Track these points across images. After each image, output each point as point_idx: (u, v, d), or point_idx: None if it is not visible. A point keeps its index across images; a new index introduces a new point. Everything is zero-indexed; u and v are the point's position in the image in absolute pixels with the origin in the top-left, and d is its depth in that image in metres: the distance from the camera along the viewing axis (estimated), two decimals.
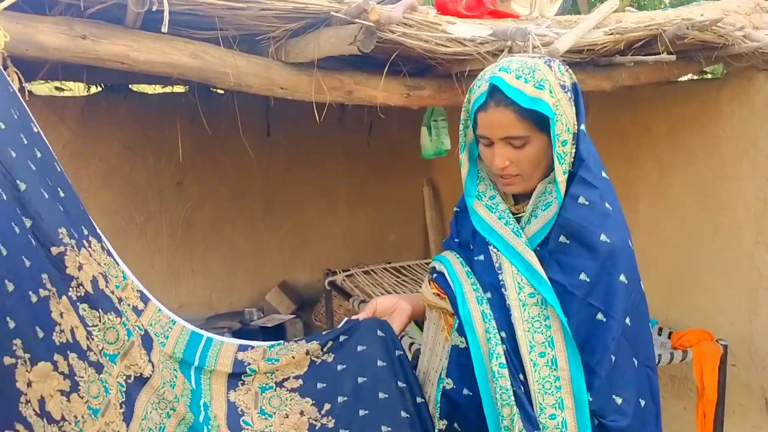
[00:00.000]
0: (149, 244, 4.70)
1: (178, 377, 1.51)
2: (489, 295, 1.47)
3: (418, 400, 1.52)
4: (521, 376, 1.39)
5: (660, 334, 3.11)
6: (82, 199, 4.31)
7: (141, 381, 1.41)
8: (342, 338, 1.61)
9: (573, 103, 1.44)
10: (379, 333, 1.59)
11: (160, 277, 4.72)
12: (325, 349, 1.62)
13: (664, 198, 3.47)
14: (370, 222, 5.23)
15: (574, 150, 1.46)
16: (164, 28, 1.88)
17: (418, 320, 1.78)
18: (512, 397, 1.36)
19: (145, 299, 1.55)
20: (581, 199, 1.44)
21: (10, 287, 1.11)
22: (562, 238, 1.43)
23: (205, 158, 4.72)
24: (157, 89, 4.58)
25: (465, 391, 1.46)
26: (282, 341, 1.67)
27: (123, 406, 1.36)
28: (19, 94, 1.38)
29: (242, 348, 1.63)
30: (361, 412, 1.49)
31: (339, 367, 1.58)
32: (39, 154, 1.36)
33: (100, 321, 1.35)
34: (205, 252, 4.89)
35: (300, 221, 5.05)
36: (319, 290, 4.72)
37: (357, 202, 5.20)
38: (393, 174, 5.14)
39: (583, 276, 1.40)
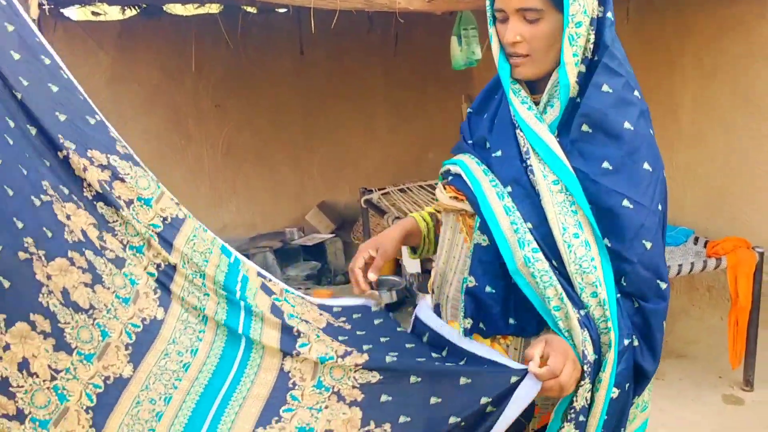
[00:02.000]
0: (191, 167, 4.80)
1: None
2: (509, 189, 1.46)
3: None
4: (554, 262, 1.40)
5: (696, 243, 3.06)
6: (124, 125, 4.42)
7: (171, 269, 1.44)
8: (355, 316, 1.61)
9: None
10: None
11: (204, 199, 4.82)
12: (340, 320, 1.61)
13: (708, 106, 3.35)
14: (408, 141, 5.21)
15: (593, 37, 1.42)
16: None
17: (412, 245, 1.76)
18: (554, 277, 1.36)
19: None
20: (605, 87, 1.41)
21: (10, 192, 1.17)
22: (584, 128, 1.41)
23: (242, 80, 4.75)
24: (191, 10, 4.57)
25: (488, 288, 1.46)
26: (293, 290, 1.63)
27: (157, 291, 1.40)
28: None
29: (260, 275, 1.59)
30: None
31: (358, 333, 1.57)
32: (47, 61, 1.37)
33: (119, 217, 1.39)
34: (247, 174, 4.96)
35: (339, 141, 5.06)
36: (358, 210, 4.76)
37: (395, 120, 5.18)
38: (431, 91, 5.08)
39: (606, 164, 1.38)
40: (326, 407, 1.41)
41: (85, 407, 1.25)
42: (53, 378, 1.21)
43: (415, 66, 5.00)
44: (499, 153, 1.48)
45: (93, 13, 4.20)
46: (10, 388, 1.16)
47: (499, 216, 1.44)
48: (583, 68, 1.41)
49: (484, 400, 1.31)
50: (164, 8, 4.44)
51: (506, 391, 1.29)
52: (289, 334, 1.48)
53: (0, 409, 1.15)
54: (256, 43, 4.58)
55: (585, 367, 1.30)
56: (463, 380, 1.35)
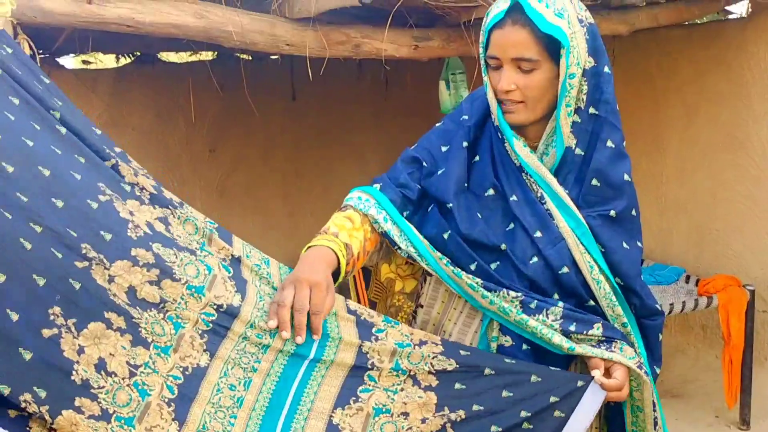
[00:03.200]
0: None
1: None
2: (539, 234, 1.48)
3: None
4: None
5: (687, 282, 3.08)
6: None
7: (236, 261, 1.43)
8: None
9: (587, 39, 1.42)
10: None
11: None
12: None
13: (692, 143, 3.40)
14: None
15: (585, 88, 1.45)
16: None
17: None
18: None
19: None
20: (609, 143, 1.48)
21: (60, 204, 1.19)
22: (594, 182, 1.47)
23: (235, 124, 4.79)
24: (185, 57, 4.64)
25: (524, 347, 1.50)
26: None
27: (231, 279, 1.38)
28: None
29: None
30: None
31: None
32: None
33: (174, 216, 1.39)
34: (241, 215, 4.98)
35: (332, 183, 5.09)
36: None
37: (387, 162, 5.18)
38: (421, 130, 5.13)
39: (612, 213, 1.48)
40: (402, 390, 1.42)
41: (166, 400, 1.26)
42: (132, 374, 1.23)
43: (405, 109, 5.06)
44: (515, 198, 1.49)
45: (83, 61, 4.26)
46: (92, 390, 1.17)
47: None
48: (577, 118, 1.45)
49: (552, 398, 1.39)
50: (158, 56, 4.51)
51: (573, 393, 1.39)
52: (364, 325, 1.46)
53: (86, 410, 1.17)
54: (249, 88, 4.63)
55: (645, 377, 1.46)
56: (534, 378, 1.41)
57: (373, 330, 1.46)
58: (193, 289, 1.30)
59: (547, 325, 1.44)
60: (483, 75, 1.51)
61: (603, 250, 1.47)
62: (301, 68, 2.55)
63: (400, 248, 1.51)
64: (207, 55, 4.59)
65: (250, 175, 4.93)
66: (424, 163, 1.58)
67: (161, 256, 1.29)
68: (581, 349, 1.43)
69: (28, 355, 1.12)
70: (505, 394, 1.41)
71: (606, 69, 1.44)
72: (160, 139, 4.68)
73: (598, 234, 1.46)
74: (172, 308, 1.28)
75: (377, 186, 1.59)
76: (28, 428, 1.15)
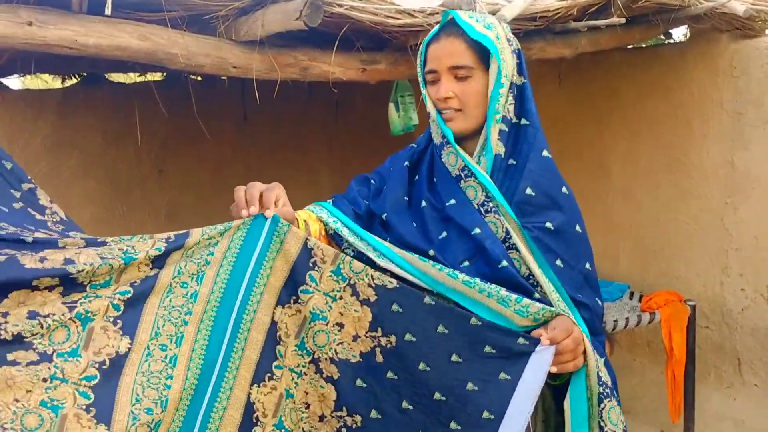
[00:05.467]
0: (133, 232, 4.72)
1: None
2: (478, 230, 1.50)
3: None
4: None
5: (631, 298, 3.14)
6: (65, 190, 4.34)
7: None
8: None
9: (515, 58, 1.52)
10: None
11: None
12: None
13: (635, 163, 3.48)
14: None
15: (512, 100, 1.53)
16: (108, 10, 1.90)
17: None
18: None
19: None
20: (545, 152, 1.54)
21: None
22: (529, 190, 1.51)
23: (185, 146, 4.74)
24: (134, 78, 4.60)
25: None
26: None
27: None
28: None
29: None
30: None
31: None
32: None
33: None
34: None
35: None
36: None
37: (339, 181, 5.22)
38: (373, 153, 5.15)
39: (548, 224, 1.50)
40: (340, 298, 1.42)
41: (84, 407, 1.24)
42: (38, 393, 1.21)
43: (356, 131, 5.09)
44: (453, 201, 1.54)
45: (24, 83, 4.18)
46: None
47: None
48: (504, 127, 1.52)
49: (488, 348, 1.37)
50: (106, 76, 4.45)
51: (516, 353, 1.35)
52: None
53: None
54: (200, 109, 4.60)
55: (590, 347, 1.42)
56: (473, 321, 1.38)
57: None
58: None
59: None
60: (422, 90, 1.57)
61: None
62: (252, 89, 2.56)
63: (348, 242, 1.54)
64: (156, 76, 4.55)
65: (200, 197, 4.88)
66: (372, 181, 1.69)
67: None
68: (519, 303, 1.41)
69: None
70: (440, 329, 1.39)
71: (529, 86, 1.54)
72: (107, 162, 4.60)
73: (536, 245, 1.49)
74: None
75: (330, 201, 1.67)
76: None
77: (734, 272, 3.05)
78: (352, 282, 1.42)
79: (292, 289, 1.42)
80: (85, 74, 4.38)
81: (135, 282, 1.31)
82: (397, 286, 1.41)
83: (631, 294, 3.16)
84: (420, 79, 1.60)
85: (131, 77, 4.60)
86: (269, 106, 4.14)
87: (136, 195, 4.71)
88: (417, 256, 1.47)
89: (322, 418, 1.42)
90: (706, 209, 3.15)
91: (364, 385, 1.41)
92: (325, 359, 1.41)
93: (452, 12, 1.51)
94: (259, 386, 1.41)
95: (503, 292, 1.40)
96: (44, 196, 1.42)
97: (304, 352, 1.42)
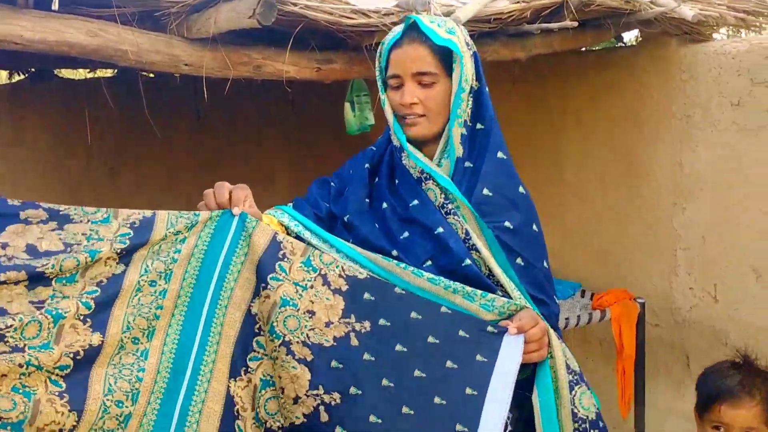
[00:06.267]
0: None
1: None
2: (441, 229, 1.52)
3: None
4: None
5: (582, 297, 3.19)
6: (13, 188, 4.23)
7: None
8: None
9: (473, 63, 1.55)
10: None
11: None
12: None
13: (588, 164, 3.54)
14: None
15: (471, 104, 1.56)
16: (54, 6, 1.86)
17: None
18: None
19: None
20: (500, 154, 1.58)
21: None
22: (486, 191, 1.53)
23: (137, 144, 4.67)
24: (84, 74, 4.50)
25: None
26: None
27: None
28: None
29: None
30: None
31: None
32: None
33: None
34: None
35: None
36: None
37: (295, 180, 5.19)
38: (329, 152, 5.14)
39: (507, 224, 1.53)
40: (311, 287, 1.45)
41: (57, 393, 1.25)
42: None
43: (312, 130, 5.07)
44: (416, 202, 1.55)
45: None
46: None
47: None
48: (464, 131, 1.54)
49: (461, 332, 1.40)
50: (55, 72, 4.35)
51: (488, 336, 1.39)
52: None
53: None
54: (152, 107, 4.51)
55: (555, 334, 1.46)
56: (444, 309, 1.42)
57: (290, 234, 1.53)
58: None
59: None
60: (381, 95, 1.58)
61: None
62: (205, 86, 2.52)
63: (311, 245, 1.55)
64: (106, 73, 4.46)
65: (154, 197, 4.80)
66: (332, 184, 1.72)
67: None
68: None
69: None
70: (414, 315, 1.42)
71: (486, 90, 1.55)
72: (57, 160, 4.50)
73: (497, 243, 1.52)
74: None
75: (290, 205, 1.69)
76: None
77: (683, 271, 3.12)
78: (323, 272, 1.46)
79: (262, 277, 1.45)
80: (33, 70, 4.27)
81: (102, 281, 1.32)
82: (368, 276, 1.46)
83: (583, 292, 3.21)
84: (379, 83, 1.61)
85: (81, 73, 4.50)
86: (223, 105, 4.10)
87: (86, 194, 4.61)
88: (380, 255, 1.49)
89: (296, 399, 1.42)
90: (656, 210, 3.21)
91: (340, 365, 1.43)
92: (297, 342, 1.43)
93: (415, 17, 1.52)
94: (236, 380, 1.43)
95: (468, 288, 1.42)
96: None
97: (274, 336, 1.43)
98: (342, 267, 1.46)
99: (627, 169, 3.33)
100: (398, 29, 1.55)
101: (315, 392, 1.41)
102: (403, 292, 1.44)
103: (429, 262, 1.52)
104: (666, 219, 3.19)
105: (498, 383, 1.37)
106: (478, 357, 1.39)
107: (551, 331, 1.47)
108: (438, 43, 1.48)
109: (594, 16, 2.75)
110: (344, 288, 1.45)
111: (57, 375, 1.25)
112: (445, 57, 1.51)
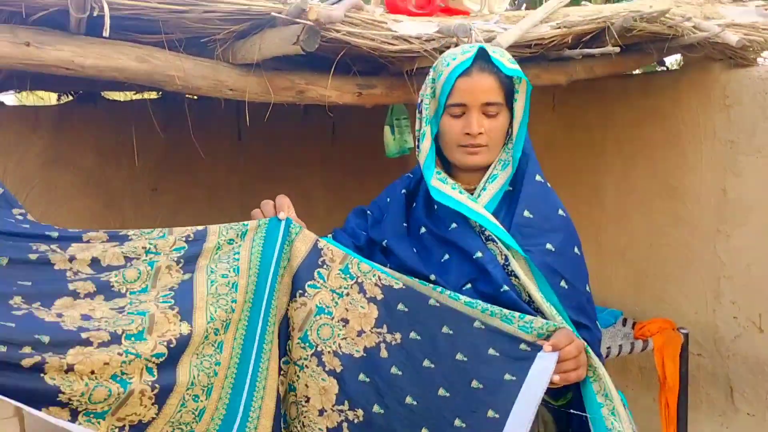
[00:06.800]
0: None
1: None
2: (479, 254, 1.51)
3: None
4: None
5: (624, 325, 3.14)
6: (57, 207, 4.32)
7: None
8: None
9: (526, 93, 1.57)
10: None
11: None
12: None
13: (629, 189, 3.50)
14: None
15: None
16: (105, 33, 1.90)
17: None
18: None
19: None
20: (538, 177, 1.59)
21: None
22: (527, 213, 1.54)
23: (179, 164, 4.74)
24: (129, 96, 4.60)
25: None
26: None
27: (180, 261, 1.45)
28: None
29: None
30: None
31: None
32: None
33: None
34: None
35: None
36: None
37: (333, 201, 5.22)
38: (367, 175, 5.16)
39: (549, 246, 1.52)
40: (347, 294, 1.48)
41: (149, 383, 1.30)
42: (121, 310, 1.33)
43: (351, 152, 5.09)
44: (454, 225, 1.55)
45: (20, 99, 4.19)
46: (91, 330, 1.27)
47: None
48: (504, 155, 1.55)
49: (492, 351, 1.38)
50: (102, 93, 4.45)
51: (519, 356, 1.36)
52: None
53: (94, 340, 1.26)
54: (195, 127, 4.60)
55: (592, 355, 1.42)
56: (477, 324, 1.40)
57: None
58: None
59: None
60: (422, 123, 1.57)
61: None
62: (248, 108, 2.57)
63: None
64: (152, 94, 4.56)
65: (195, 215, 4.86)
66: (369, 213, 1.74)
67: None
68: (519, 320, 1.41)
69: (12, 324, 1.21)
70: (445, 329, 1.42)
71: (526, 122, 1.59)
72: (101, 179, 4.59)
73: (538, 266, 1.50)
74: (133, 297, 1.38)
75: (330, 236, 1.71)
76: (42, 374, 1.19)
77: (726, 300, 3.06)
78: (359, 280, 1.48)
79: (299, 284, 1.49)
80: (80, 92, 4.38)
81: (174, 287, 1.39)
82: (403, 286, 1.47)
83: (624, 320, 3.16)
84: (429, 106, 1.58)
85: (127, 95, 4.60)
86: (264, 126, 4.14)
87: (129, 213, 4.70)
88: (417, 280, 1.49)
89: (321, 412, 1.45)
90: (699, 236, 3.16)
91: (367, 379, 1.44)
92: (328, 352, 1.46)
93: (482, 46, 1.54)
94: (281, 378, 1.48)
95: (506, 311, 1.41)
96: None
97: (307, 344, 1.47)
98: (378, 276, 1.48)
99: (669, 194, 3.29)
100: (467, 55, 1.52)
101: (341, 407, 1.44)
102: (437, 304, 1.44)
103: (468, 285, 1.51)
104: (709, 246, 3.13)
105: (522, 405, 1.35)
106: (506, 376, 1.37)
107: (592, 352, 1.44)
108: (506, 74, 1.50)
109: (635, 41, 2.74)
110: (379, 297, 1.47)
111: (153, 363, 1.30)
112: (507, 88, 1.53)
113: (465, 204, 1.53)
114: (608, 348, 2.81)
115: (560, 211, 1.58)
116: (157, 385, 1.30)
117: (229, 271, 1.44)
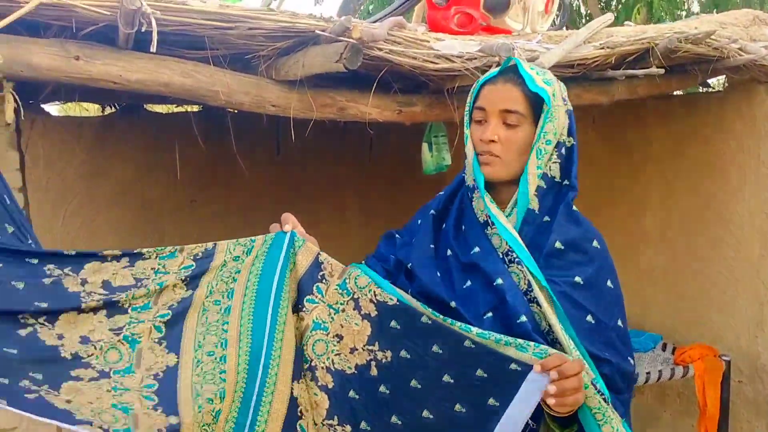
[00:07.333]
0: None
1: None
2: (500, 281, 1.47)
3: None
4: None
5: (664, 350, 3.09)
6: (96, 217, 4.39)
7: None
8: None
9: (567, 118, 1.53)
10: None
11: None
12: None
13: (670, 211, 3.45)
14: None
15: (555, 158, 1.53)
16: (153, 48, 1.93)
17: None
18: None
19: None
20: (575, 207, 1.55)
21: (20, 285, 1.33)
22: (558, 244, 1.50)
23: (217, 177, 4.79)
24: (171, 108, 4.67)
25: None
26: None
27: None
28: None
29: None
30: None
31: None
32: None
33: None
34: None
35: (312, 236, 5.07)
36: None
37: (368, 217, 5.23)
38: (403, 191, 5.16)
39: (577, 279, 1.47)
40: (343, 311, 1.49)
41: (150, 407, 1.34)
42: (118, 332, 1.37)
43: (388, 169, 5.10)
44: (477, 249, 1.53)
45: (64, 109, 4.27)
46: (83, 360, 1.32)
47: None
48: (543, 184, 1.50)
49: (480, 372, 1.36)
50: (144, 106, 4.52)
51: (507, 378, 1.32)
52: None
53: (84, 377, 1.32)
54: (233, 141, 4.66)
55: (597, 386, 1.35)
56: (467, 343, 1.38)
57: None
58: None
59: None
60: (465, 130, 1.58)
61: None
62: (286, 123, 2.59)
63: None
64: (193, 107, 4.62)
65: (232, 228, 4.88)
66: (398, 236, 1.74)
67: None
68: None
69: (14, 351, 1.25)
70: (435, 348, 1.40)
71: (576, 148, 1.53)
72: (141, 191, 4.65)
73: (561, 299, 1.44)
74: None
75: (363, 262, 1.71)
76: (50, 402, 1.25)
77: None
78: (355, 296, 1.49)
79: (299, 298, 1.50)
80: (123, 104, 4.46)
81: (173, 304, 1.43)
82: (397, 303, 1.46)
83: (664, 345, 3.11)
84: (466, 117, 1.60)
85: (168, 107, 4.67)
86: (302, 142, 4.19)
87: (167, 224, 4.75)
88: (430, 311, 1.46)
89: (314, 425, 1.48)
90: (742, 261, 3.10)
91: (357, 396, 1.46)
92: (322, 368, 1.47)
93: (516, 60, 1.53)
94: (298, 382, 1.48)
95: (520, 340, 1.37)
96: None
97: (303, 359, 1.48)
98: (374, 292, 1.48)
99: (711, 217, 3.23)
100: (497, 67, 1.56)
101: (330, 422, 1.46)
102: (429, 322, 1.42)
103: (490, 314, 1.47)
104: (752, 271, 3.07)
105: (504, 429, 1.33)
106: (491, 401, 1.35)
107: (600, 388, 1.37)
108: (531, 89, 1.47)
109: (680, 63, 2.70)
110: (373, 314, 1.47)
111: (147, 392, 1.34)
112: (536, 105, 1.49)
113: (499, 219, 1.51)
114: (648, 373, 2.76)
115: (595, 243, 1.53)
116: (159, 407, 1.34)
117: (223, 296, 1.47)
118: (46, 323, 1.31)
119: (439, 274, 1.55)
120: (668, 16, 6.79)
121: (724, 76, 3.15)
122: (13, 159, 2.48)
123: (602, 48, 2.42)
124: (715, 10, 3.35)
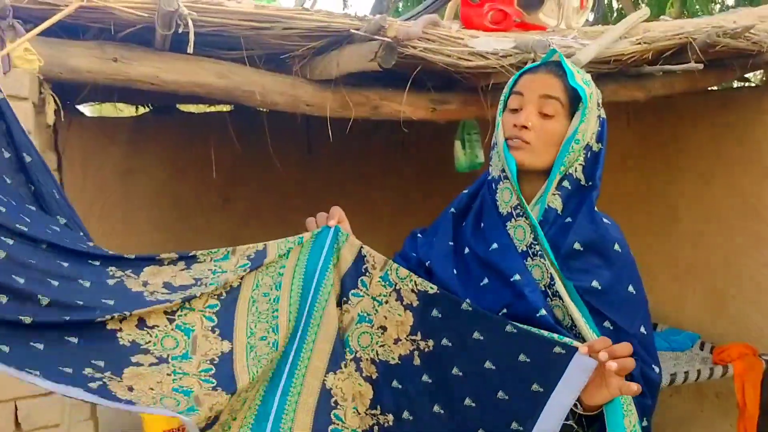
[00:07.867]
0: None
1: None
2: (518, 277, 1.45)
3: None
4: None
5: (702, 349, 3.04)
6: (132, 216, 4.44)
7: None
8: None
9: (599, 124, 1.51)
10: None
11: None
12: None
13: (706, 207, 3.39)
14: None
15: (581, 160, 1.51)
16: (190, 49, 1.95)
17: None
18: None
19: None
20: (595, 209, 1.51)
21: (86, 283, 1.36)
22: (576, 245, 1.46)
23: (250, 176, 4.82)
24: (203, 108, 4.70)
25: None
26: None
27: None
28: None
29: None
30: None
31: None
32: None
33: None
34: None
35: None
36: None
37: (399, 215, 5.23)
38: (435, 189, 5.15)
39: (595, 283, 1.44)
40: (386, 302, 1.50)
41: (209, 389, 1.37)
42: (171, 320, 1.40)
43: (420, 167, 5.09)
44: (495, 245, 1.51)
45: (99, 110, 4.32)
46: (141, 346, 1.35)
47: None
48: (567, 184, 1.49)
49: (522, 357, 1.33)
50: (177, 106, 4.57)
51: (551, 363, 1.29)
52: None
53: (144, 362, 1.35)
54: (266, 140, 4.69)
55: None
56: (509, 328, 1.36)
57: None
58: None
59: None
60: (498, 116, 1.57)
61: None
62: (316, 122, 2.60)
63: None
64: (224, 107, 4.65)
65: (263, 226, 4.93)
66: (419, 235, 1.74)
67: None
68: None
69: (75, 340, 1.29)
70: (476, 335, 1.39)
71: (604, 153, 1.52)
72: (173, 190, 4.70)
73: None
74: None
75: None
76: (112, 392, 1.28)
77: None
78: (397, 287, 1.49)
79: (344, 291, 1.51)
80: (156, 105, 4.51)
81: (221, 295, 1.45)
82: (438, 291, 1.46)
83: (702, 344, 3.06)
84: (500, 106, 1.58)
85: (200, 107, 4.71)
86: (334, 140, 4.20)
87: (200, 223, 4.79)
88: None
89: (356, 414, 1.48)
90: None
91: (400, 386, 1.46)
92: (366, 359, 1.49)
93: (560, 53, 1.52)
94: (335, 374, 1.49)
95: (544, 331, 1.35)
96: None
97: (348, 350, 1.49)
98: (415, 281, 1.48)
99: (749, 213, 3.18)
100: (541, 59, 1.57)
101: (374, 411, 1.47)
102: (470, 309, 1.41)
103: (505, 311, 1.45)
104: None
105: (549, 415, 1.29)
106: (534, 387, 1.31)
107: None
108: (571, 84, 1.46)
109: (718, 57, 2.66)
110: (415, 304, 1.47)
111: (205, 375, 1.37)
112: (573, 103, 1.47)
113: (526, 206, 1.49)
114: (686, 372, 2.72)
115: (616, 246, 1.48)
116: (219, 387, 1.37)
117: (271, 289, 1.49)
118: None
119: (456, 271, 1.55)
120: (703, 10, 6.68)
121: (762, 70, 3.10)
122: (51, 160, 2.52)
123: (639, 43, 2.39)
124: (751, 4, 3.30)
